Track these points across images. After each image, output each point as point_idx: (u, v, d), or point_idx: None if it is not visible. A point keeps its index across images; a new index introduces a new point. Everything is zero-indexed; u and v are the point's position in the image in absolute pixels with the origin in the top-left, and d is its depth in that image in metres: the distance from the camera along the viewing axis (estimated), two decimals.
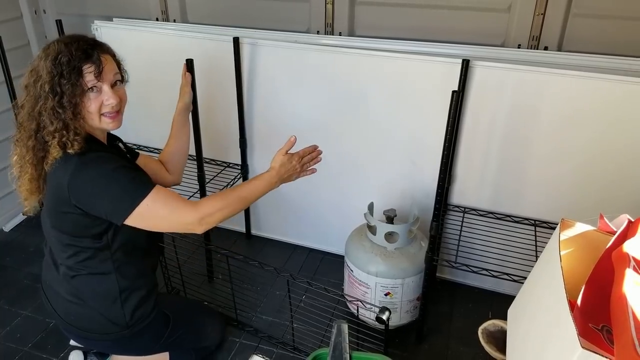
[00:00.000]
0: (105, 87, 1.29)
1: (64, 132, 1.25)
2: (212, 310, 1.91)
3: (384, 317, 1.48)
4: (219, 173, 2.24)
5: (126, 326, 1.45)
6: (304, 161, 1.51)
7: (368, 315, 1.78)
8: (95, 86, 1.27)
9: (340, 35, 2.08)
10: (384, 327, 1.51)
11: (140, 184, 1.29)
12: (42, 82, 1.24)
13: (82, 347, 1.67)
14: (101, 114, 1.31)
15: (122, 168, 1.29)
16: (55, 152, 1.26)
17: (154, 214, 1.29)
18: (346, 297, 1.85)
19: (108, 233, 1.35)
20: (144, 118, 2.20)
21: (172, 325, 1.57)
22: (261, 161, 2.26)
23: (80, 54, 1.25)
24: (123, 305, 1.43)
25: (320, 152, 1.54)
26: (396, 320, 1.82)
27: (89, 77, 1.26)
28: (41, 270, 1.54)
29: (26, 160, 1.30)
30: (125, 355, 1.64)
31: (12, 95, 2.10)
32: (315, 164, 1.55)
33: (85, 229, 1.32)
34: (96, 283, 1.41)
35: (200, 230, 1.33)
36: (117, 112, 1.34)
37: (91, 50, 1.27)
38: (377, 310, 1.50)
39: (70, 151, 1.25)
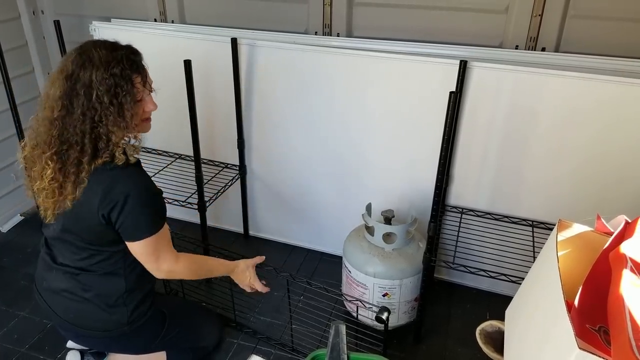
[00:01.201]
0: (147, 96, 1.35)
1: (124, 140, 1.31)
2: (209, 310, 1.91)
3: (384, 317, 1.48)
4: (217, 174, 2.23)
5: (126, 323, 1.45)
6: (253, 286, 1.64)
7: (366, 316, 1.78)
8: (143, 95, 1.33)
9: (338, 36, 2.08)
10: (383, 328, 1.51)
11: (159, 220, 1.38)
12: (99, 93, 1.24)
13: (79, 347, 1.66)
14: (142, 120, 1.38)
15: (157, 196, 1.37)
16: (119, 160, 1.29)
17: (147, 250, 1.37)
18: (345, 296, 1.85)
19: (119, 251, 1.40)
20: None
21: (168, 323, 1.58)
22: (259, 162, 2.26)
23: (131, 64, 1.28)
24: (126, 303, 1.44)
25: (266, 291, 1.65)
26: (394, 321, 1.82)
27: (139, 87, 1.31)
28: None
29: (71, 172, 1.27)
30: (123, 354, 1.65)
31: (10, 96, 2.10)
32: (256, 289, 1.64)
33: (107, 236, 1.35)
34: (105, 282, 1.42)
35: (159, 276, 1.45)
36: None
37: (137, 59, 1.32)
38: (376, 310, 1.50)
39: (117, 162, 1.29)
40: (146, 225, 1.34)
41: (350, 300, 1.80)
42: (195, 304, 1.94)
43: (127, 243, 1.36)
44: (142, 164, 1.44)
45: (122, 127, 1.28)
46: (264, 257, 1.68)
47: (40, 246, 1.51)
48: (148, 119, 1.42)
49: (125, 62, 1.27)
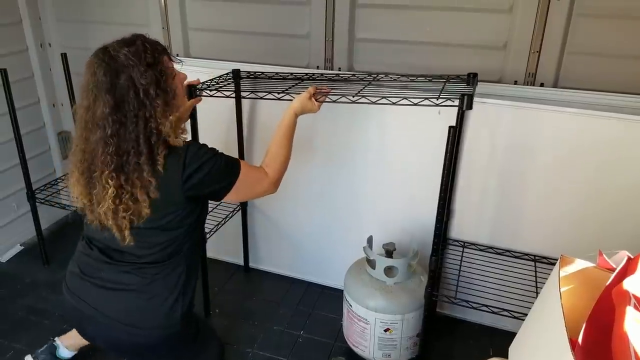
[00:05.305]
0: (174, 70, 1.34)
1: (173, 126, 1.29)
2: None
3: None
4: (217, 205, 2.23)
5: (180, 319, 1.39)
6: (319, 102, 1.60)
7: (366, 352, 1.75)
8: (174, 70, 1.33)
9: (339, 70, 2.12)
10: None
11: (234, 159, 1.40)
12: (145, 88, 1.23)
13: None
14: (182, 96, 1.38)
15: (216, 149, 1.37)
16: (177, 143, 1.29)
17: (243, 186, 1.40)
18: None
19: (192, 224, 1.38)
20: None
21: (200, 330, 1.54)
22: None
23: (153, 47, 1.28)
24: (183, 297, 1.40)
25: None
26: (396, 357, 1.78)
27: (169, 64, 1.31)
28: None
29: (134, 178, 1.24)
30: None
31: (15, 126, 2.12)
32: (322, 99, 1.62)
33: (180, 221, 1.34)
34: (167, 274, 1.37)
35: (275, 190, 1.52)
36: None
37: (152, 39, 1.31)
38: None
39: (174, 144, 1.29)
40: (231, 168, 1.37)
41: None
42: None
43: (224, 200, 1.41)
44: None
45: (167, 115, 1.27)
46: (314, 87, 1.60)
47: (83, 246, 1.43)
48: (184, 94, 1.40)
49: (149, 48, 1.27)
